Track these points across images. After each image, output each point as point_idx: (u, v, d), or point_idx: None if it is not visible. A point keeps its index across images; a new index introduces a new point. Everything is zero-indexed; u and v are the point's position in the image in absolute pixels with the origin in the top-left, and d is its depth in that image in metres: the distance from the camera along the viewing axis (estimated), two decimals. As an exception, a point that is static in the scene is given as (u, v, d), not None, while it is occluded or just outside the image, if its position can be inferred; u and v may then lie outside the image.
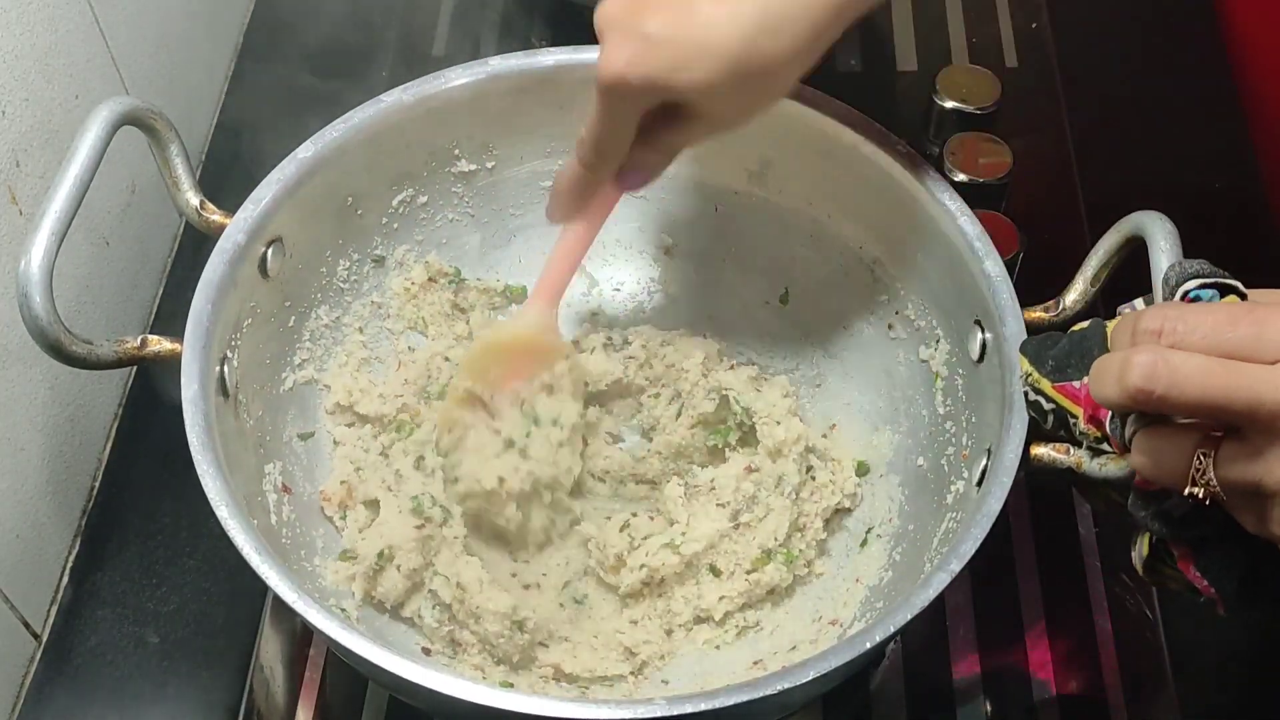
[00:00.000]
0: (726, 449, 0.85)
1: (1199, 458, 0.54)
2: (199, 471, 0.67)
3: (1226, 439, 0.53)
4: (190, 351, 0.71)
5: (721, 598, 0.80)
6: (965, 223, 0.76)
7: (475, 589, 0.76)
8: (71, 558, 0.87)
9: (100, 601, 0.85)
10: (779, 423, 0.83)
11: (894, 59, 1.13)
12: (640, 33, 0.66)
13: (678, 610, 0.80)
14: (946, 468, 0.78)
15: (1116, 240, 0.72)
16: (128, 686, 0.82)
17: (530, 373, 0.80)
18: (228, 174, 1.03)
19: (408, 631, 0.78)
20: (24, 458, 0.81)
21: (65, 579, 0.86)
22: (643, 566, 0.80)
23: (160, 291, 1.00)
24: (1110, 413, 0.61)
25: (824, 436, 0.86)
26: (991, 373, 0.74)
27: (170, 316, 0.96)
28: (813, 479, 0.83)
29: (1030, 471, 0.69)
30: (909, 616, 0.64)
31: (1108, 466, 0.65)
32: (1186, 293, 0.58)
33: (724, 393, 0.85)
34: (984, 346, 0.75)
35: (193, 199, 0.78)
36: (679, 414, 0.86)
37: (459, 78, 0.83)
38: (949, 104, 1.03)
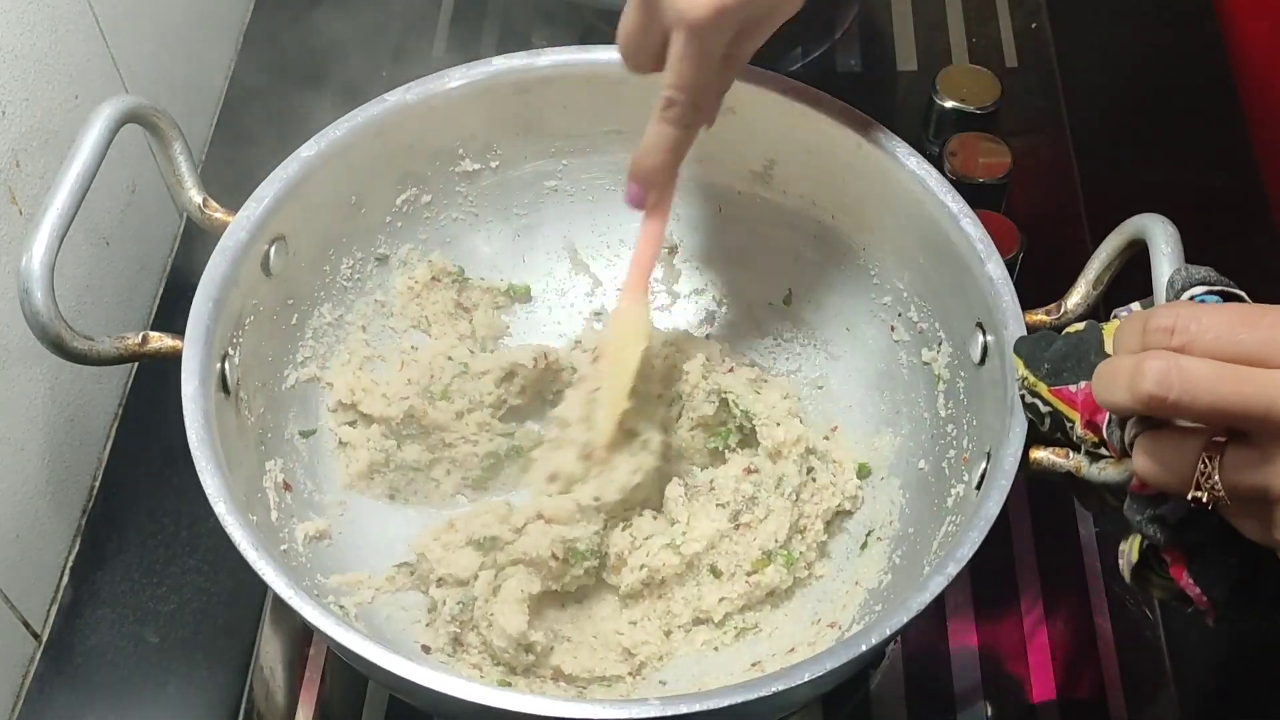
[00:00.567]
0: (726, 450, 0.85)
1: (1204, 462, 0.53)
2: (198, 467, 0.67)
3: (1233, 443, 0.53)
4: (191, 348, 0.71)
5: (721, 599, 0.80)
6: (967, 224, 0.76)
7: (500, 601, 0.77)
8: (71, 558, 0.87)
9: (100, 601, 0.85)
10: (779, 424, 0.83)
11: (894, 59, 1.13)
12: None
13: (677, 611, 0.80)
14: (947, 470, 0.78)
15: (1119, 243, 0.72)
16: (128, 686, 0.82)
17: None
18: (229, 173, 1.03)
19: (406, 629, 0.78)
20: (24, 458, 0.81)
21: (65, 579, 0.86)
22: (643, 567, 0.80)
23: (160, 290, 1.00)
24: (1108, 417, 0.61)
25: (826, 438, 0.86)
26: (993, 375, 0.74)
27: (171, 315, 0.96)
28: (813, 480, 0.83)
29: (1029, 475, 0.69)
30: (905, 620, 0.64)
31: (1106, 470, 0.65)
32: (1192, 298, 0.58)
33: (724, 395, 0.85)
34: (985, 349, 0.75)
35: (195, 197, 0.78)
36: (679, 416, 0.86)
37: (462, 76, 0.83)
38: (949, 104, 1.03)
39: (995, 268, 0.74)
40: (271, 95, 1.05)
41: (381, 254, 0.87)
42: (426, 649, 0.78)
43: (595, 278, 0.92)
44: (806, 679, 0.62)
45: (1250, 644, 0.82)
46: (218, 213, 0.77)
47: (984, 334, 0.75)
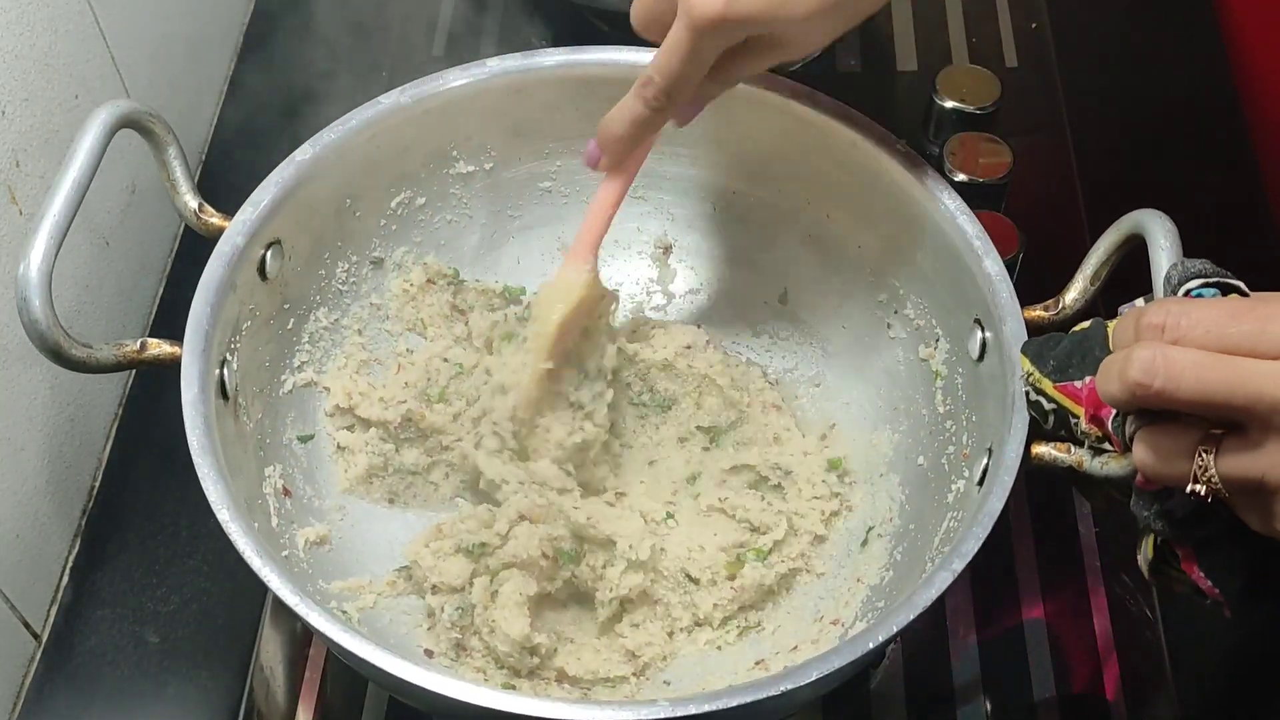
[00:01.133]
0: (659, 423, 0.86)
1: (1201, 454, 0.54)
2: (200, 475, 0.67)
3: (1228, 435, 0.53)
4: (190, 355, 0.71)
5: (715, 605, 0.80)
6: (964, 222, 0.76)
7: (500, 606, 0.76)
8: (71, 558, 0.87)
9: (100, 601, 0.85)
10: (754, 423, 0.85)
11: (894, 59, 1.13)
12: None
13: (677, 615, 0.80)
14: (947, 466, 0.78)
15: (1116, 238, 0.72)
16: (128, 686, 0.82)
17: (582, 325, 0.80)
18: (227, 176, 1.03)
19: (409, 633, 0.78)
20: (24, 458, 0.81)
21: (65, 579, 0.86)
22: (613, 593, 0.79)
23: (160, 292, 1.00)
24: (1114, 412, 0.61)
25: (823, 437, 0.86)
26: (992, 371, 0.74)
27: (170, 316, 0.96)
28: (788, 474, 0.84)
29: (1031, 470, 0.69)
30: (912, 616, 0.64)
31: (1109, 465, 0.65)
32: (1189, 291, 0.58)
33: (702, 377, 0.86)
34: (984, 345, 0.75)
35: (191, 202, 0.78)
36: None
37: (458, 78, 0.83)
38: (949, 104, 1.03)
39: (993, 264, 0.74)
40: (270, 97, 1.05)
41: (377, 257, 0.87)
42: (429, 653, 0.77)
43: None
44: (815, 677, 0.62)
45: (1252, 639, 0.82)
46: (213, 218, 0.77)
47: (982, 330, 0.75)
